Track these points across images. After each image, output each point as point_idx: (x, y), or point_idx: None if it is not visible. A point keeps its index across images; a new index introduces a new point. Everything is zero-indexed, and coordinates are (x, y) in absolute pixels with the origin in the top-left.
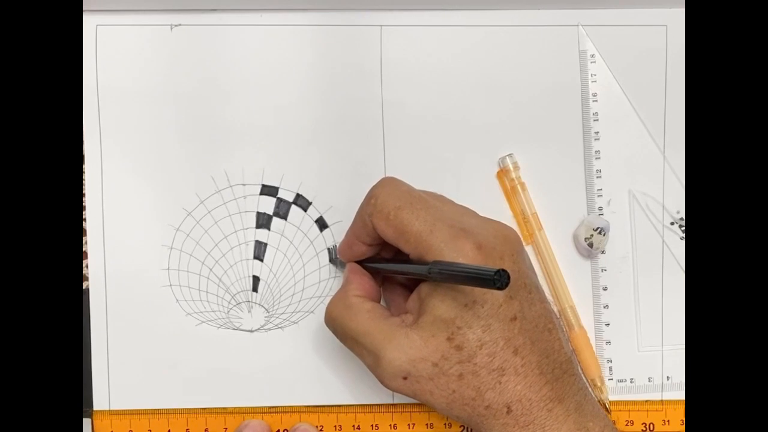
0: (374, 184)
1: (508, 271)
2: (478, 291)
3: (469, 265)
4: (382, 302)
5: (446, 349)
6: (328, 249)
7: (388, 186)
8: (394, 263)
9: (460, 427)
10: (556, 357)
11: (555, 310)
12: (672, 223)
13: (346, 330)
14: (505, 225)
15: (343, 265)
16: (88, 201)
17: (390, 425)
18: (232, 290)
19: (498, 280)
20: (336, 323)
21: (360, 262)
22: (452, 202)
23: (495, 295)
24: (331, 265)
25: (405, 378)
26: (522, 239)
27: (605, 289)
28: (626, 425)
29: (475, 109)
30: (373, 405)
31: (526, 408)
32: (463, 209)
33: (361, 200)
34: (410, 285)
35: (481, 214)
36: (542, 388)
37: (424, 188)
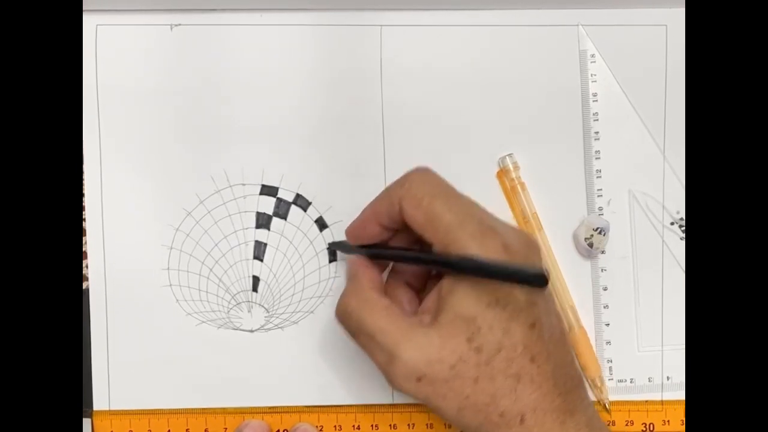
0: (408, 171)
1: None
2: (501, 292)
3: (508, 262)
4: None
5: (465, 350)
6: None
7: (423, 174)
8: (413, 252)
9: None
10: (568, 370)
11: None
12: (672, 223)
13: (362, 325)
14: (527, 232)
15: (342, 249)
16: (88, 201)
17: (390, 425)
18: (232, 290)
19: (542, 277)
20: (351, 318)
21: (368, 255)
22: (479, 204)
23: (517, 299)
24: (331, 265)
25: (419, 379)
26: None
27: (605, 289)
28: (626, 425)
29: (475, 109)
30: (373, 405)
31: (540, 418)
32: (488, 212)
33: (361, 200)
34: (417, 285)
35: None
36: (555, 399)
37: None
